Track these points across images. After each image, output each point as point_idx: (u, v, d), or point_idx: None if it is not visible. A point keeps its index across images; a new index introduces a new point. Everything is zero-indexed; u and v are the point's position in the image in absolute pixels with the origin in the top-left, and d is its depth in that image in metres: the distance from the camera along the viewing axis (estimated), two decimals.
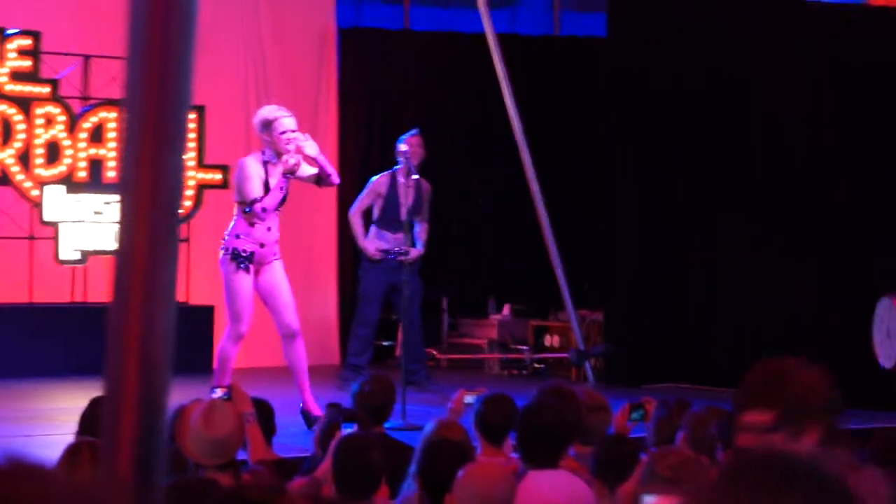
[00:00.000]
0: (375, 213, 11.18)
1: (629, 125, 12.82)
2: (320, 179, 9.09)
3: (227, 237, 8.91)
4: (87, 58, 12.03)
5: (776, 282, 11.96)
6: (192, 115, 12.15)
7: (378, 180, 11.20)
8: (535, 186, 12.32)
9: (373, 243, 11.15)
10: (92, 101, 12.07)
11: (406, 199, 10.96)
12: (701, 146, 12.38)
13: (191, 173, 12.16)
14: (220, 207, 12.83)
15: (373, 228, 11.20)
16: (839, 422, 3.24)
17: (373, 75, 14.10)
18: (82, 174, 11.82)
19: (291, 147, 8.84)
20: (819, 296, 11.71)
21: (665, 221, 12.58)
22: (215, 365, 9.03)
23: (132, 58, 1.59)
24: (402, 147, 10.74)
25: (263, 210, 8.81)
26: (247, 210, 8.83)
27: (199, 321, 12.26)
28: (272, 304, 9.01)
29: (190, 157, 12.15)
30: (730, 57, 12.30)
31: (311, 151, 8.93)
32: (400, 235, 10.84)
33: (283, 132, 8.85)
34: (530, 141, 12.33)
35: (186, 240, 12.38)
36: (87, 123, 11.85)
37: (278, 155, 8.86)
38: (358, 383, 6.83)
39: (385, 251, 11.00)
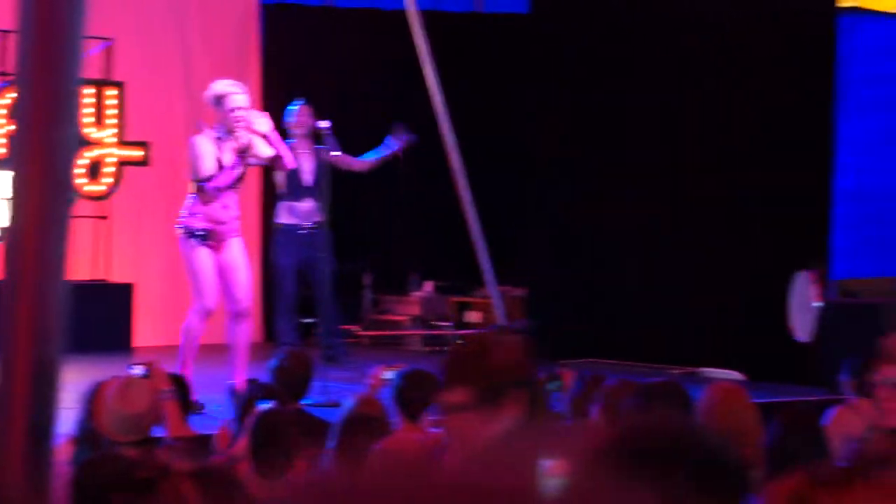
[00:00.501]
0: (281, 186, 11.00)
1: (552, 101, 12.89)
2: (273, 161, 9.07)
3: (182, 215, 8.84)
4: (5, 33, 11.90)
5: (692, 259, 12.07)
6: (112, 92, 12.06)
7: None
8: (456, 162, 12.33)
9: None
10: (10, 78, 11.94)
11: (308, 167, 10.88)
12: (624, 122, 12.47)
13: (111, 150, 12.07)
14: (141, 184, 12.78)
15: (281, 205, 11.01)
16: (539, 393, 3.27)
17: (295, 51, 14.06)
18: (2, 150, 11.70)
19: (241, 124, 8.81)
20: (733, 270, 11.83)
21: (585, 198, 12.66)
22: (181, 342, 8.88)
23: (23, 33, 1.60)
24: (324, 123, 10.66)
25: (216, 189, 8.76)
26: (199, 188, 8.79)
27: (118, 299, 12.20)
28: (225, 280, 8.92)
29: (111, 134, 12.07)
30: (655, 32, 12.38)
31: (262, 128, 8.89)
32: (310, 204, 10.76)
33: (233, 109, 8.80)
34: (452, 117, 12.35)
35: (105, 217, 12.30)
36: (6, 100, 11.74)
37: (230, 132, 8.81)
38: (276, 358, 6.83)
39: (296, 225, 10.92)
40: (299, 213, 10.89)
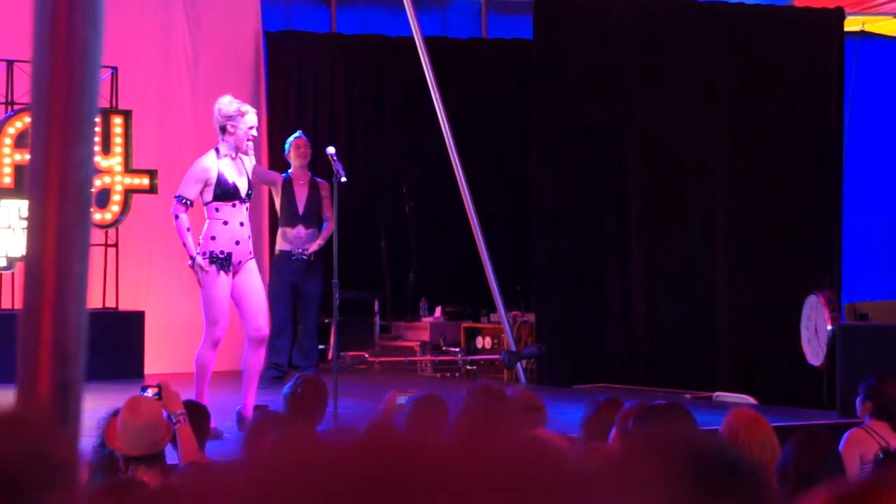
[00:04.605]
0: (278, 212, 11.61)
1: (558, 127, 12.89)
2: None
3: (201, 240, 8.75)
4: (10, 62, 11.92)
5: (704, 283, 12.04)
6: (118, 120, 12.07)
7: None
8: (464, 188, 12.35)
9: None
10: (16, 107, 11.95)
11: (301, 196, 11.45)
12: (631, 147, 12.46)
13: (118, 178, 12.08)
14: (149, 212, 12.77)
15: (279, 231, 11.62)
16: None
17: (301, 79, 14.08)
18: (7, 180, 11.71)
19: (251, 144, 8.88)
20: (747, 294, 11.81)
21: (595, 223, 12.65)
22: (195, 372, 8.80)
23: (39, 56, 1.59)
24: (330, 149, 10.70)
25: (216, 210, 8.76)
26: (210, 210, 8.77)
27: (129, 327, 12.17)
28: (245, 307, 8.79)
29: (117, 162, 12.08)
30: (660, 57, 12.39)
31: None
32: (300, 230, 11.38)
33: (250, 128, 8.82)
34: (459, 143, 12.37)
35: (115, 245, 12.30)
36: (12, 129, 11.74)
37: (238, 150, 8.80)
38: (290, 385, 6.78)
39: (289, 252, 11.43)
40: (291, 239, 11.45)
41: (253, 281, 8.82)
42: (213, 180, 8.72)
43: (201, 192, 8.78)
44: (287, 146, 11.58)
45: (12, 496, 1.16)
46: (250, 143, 8.82)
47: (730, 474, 1.75)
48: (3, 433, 1.20)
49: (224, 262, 8.66)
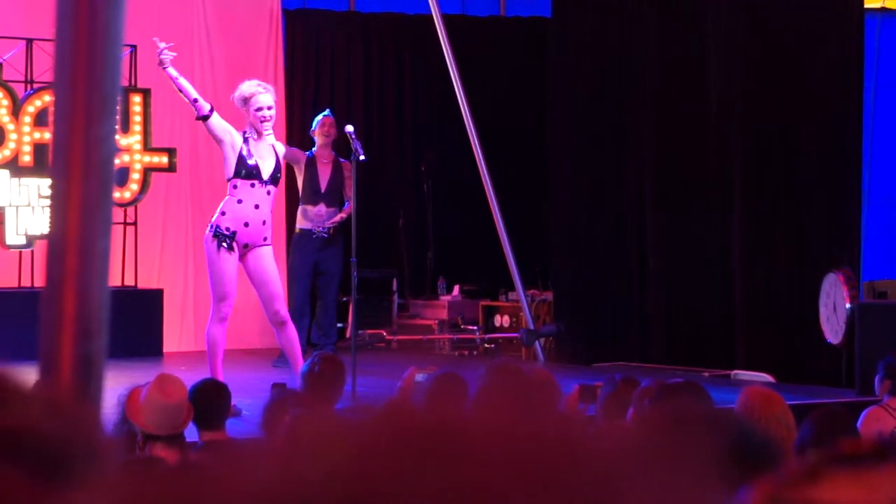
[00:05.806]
0: (299, 190, 11.61)
1: (576, 105, 12.87)
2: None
3: (215, 215, 8.81)
4: (29, 41, 11.94)
5: (722, 260, 12.02)
6: (137, 98, 12.08)
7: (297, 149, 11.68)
8: (482, 166, 12.34)
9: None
10: (35, 85, 11.97)
11: (325, 174, 11.49)
12: (647, 126, 12.43)
13: (137, 157, 12.10)
14: (167, 191, 12.80)
15: (299, 209, 11.65)
16: None
17: (319, 57, 14.08)
18: (27, 158, 11.74)
19: (268, 123, 8.87)
20: (765, 272, 11.79)
21: (612, 201, 12.63)
22: (206, 350, 8.81)
23: (61, 34, 1.59)
24: (349, 127, 10.72)
25: (234, 187, 8.77)
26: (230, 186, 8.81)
27: (148, 305, 12.21)
28: (263, 292, 8.84)
29: (136, 141, 12.09)
30: (674, 35, 12.35)
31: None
32: (321, 207, 11.40)
33: (259, 108, 8.84)
34: (477, 121, 12.35)
35: (134, 223, 12.33)
36: (31, 107, 11.76)
37: (257, 132, 8.84)
38: (308, 363, 6.79)
39: (310, 230, 11.48)
40: (312, 216, 11.47)
41: (267, 266, 8.85)
42: (237, 147, 8.78)
43: (225, 164, 8.84)
44: (314, 123, 11.60)
45: (54, 472, 1.18)
46: (265, 124, 8.84)
47: (749, 449, 1.75)
48: (40, 411, 1.22)
49: (227, 238, 8.67)
